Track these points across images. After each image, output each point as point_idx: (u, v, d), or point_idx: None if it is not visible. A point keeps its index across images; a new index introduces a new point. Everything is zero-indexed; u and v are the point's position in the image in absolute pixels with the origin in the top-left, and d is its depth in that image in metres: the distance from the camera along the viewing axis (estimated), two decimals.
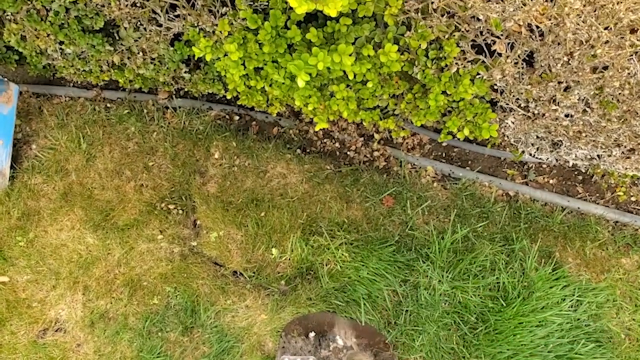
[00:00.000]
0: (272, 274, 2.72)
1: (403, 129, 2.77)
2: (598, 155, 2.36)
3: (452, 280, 2.67)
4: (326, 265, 2.70)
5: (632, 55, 1.59)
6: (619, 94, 1.74)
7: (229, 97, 2.70)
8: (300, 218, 2.81)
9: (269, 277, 2.71)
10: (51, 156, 2.90)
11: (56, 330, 2.65)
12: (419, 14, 1.84)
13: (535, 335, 2.59)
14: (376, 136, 3.08)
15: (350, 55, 1.85)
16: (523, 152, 2.64)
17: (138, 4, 2.14)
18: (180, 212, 2.84)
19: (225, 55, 2.20)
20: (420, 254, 2.73)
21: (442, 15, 1.83)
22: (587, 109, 1.93)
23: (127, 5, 2.12)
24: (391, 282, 2.67)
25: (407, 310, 2.64)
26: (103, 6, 2.16)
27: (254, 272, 2.73)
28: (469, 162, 3.09)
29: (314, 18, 2.09)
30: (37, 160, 2.90)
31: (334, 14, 1.56)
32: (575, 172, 3.06)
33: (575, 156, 2.47)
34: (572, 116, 2.04)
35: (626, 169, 2.27)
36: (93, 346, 2.61)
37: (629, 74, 1.63)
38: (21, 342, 2.60)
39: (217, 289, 2.68)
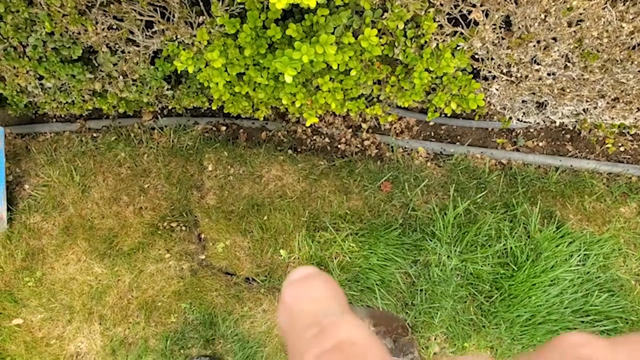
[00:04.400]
0: (283, 275, 2.73)
1: (389, 114, 2.80)
2: (584, 110, 2.42)
3: (461, 253, 2.70)
4: (335, 258, 2.72)
5: (606, 3, 1.64)
6: (598, 43, 1.79)
7: (214, 107, 2.71)
8: (303, 216, 2.82)
9: (282, 279, 2.72)
10: (46, 193, 2.88)
11: None
12: None
13: (549, 295, 2.64)
14: (364, 125, 3.11)
15: (332, 44, 1.87)
16: (511, 118, 2.69)
17: (114, 27, 2.15)
18: (184, 228, 2.84)
19: (207, 65, 2.21)
20: (426, 233, 2.76)
21: None
22: (569, 63, 1.97)
23: (104, 29, 2.13)
24: (402, 264, 2.70)
25: (421, 290, 2.67)
26: (79, 33, 2.16)
27: (265, 276, 2.73)
28: (458, 138, 3.13)
29: (290, 14, 2.12)
30: (32, 199, 2.88)
31: (312, 5, 1.58)
32: (563, 132, 3.12)
33: (562, 114, 2.52)
34: (554, 74, 2.09)
35: (612, 118, 2.33)
36: None
37: (605, 22, 1.68)
38: None
39: (232, 298, 2.68)
